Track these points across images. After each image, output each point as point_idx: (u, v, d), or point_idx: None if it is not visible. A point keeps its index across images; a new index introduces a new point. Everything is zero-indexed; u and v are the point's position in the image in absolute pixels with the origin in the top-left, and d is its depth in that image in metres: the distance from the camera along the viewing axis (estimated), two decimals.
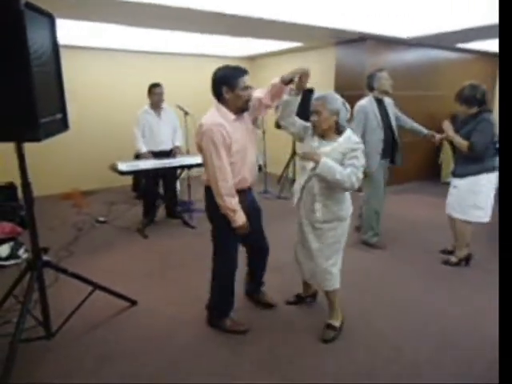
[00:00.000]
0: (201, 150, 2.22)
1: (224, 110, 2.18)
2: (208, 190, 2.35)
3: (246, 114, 2.30)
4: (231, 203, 2.17)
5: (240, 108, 2.20)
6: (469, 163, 3.12)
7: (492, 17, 4.10)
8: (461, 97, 3.08)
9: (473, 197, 3.13)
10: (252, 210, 2.43)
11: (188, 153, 4.69)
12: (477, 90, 3.02)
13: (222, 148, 2.11)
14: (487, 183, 3.09)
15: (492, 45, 6.04)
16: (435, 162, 6.82)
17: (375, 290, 3.00)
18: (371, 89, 3.66)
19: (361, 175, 2.15)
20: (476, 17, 4.14)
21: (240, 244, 2.48)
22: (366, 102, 3.63)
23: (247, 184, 2.34)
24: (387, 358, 2.23)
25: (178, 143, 4.63)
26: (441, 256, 3.55)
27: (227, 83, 2.13)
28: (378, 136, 3.60)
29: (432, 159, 6.81)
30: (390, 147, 3.72)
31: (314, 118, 2.22)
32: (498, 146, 3.08)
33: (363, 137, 3.61)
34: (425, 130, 3.73)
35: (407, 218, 4.73)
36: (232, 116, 2.18)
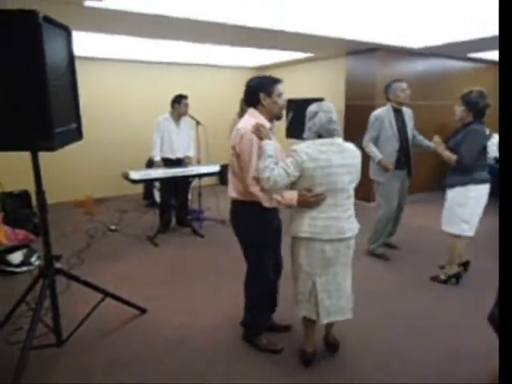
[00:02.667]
0: (237, 154, 2.14)
1: (260, 116, 2.19)
2: (238, 206, 2.26)
3: (274, 130, 2.30)
4: (284, 197, 2.08)
5: (275, 114, 2.22)
6: (457, 174, 3.08)
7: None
8: (465, 98, 3.02)
9: (459, 209, 3.07)
10: (277, 225, 2.38)
11: (199, 162, 4.73)
12: (482, 100, 2.96)
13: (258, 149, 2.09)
14: (475, 196, 3.01)
15: None
16: (444, 170, 6.73)
17: (383, 302, 2.96)
18: (388, 99, 3.65)
19: (279, 179, 1.97)
20: (488, 26, 4.12)
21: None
22: (383, 111, 3.62)
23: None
24: (395, 370, 2.19)
25: (189, 154, 4.68)
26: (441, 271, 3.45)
27: (264, 90, 2.16)
28: (392, 146, 3.58)
29: (440, 168, 6.73)
30: (406, 158, 3.67)
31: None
32: (488, 157, 3.07)
33: (378, 146, 3.62)
34: (428, 144, 3.63)
35: (419, 228, 4.67)
36: (267, 123, 2.19)
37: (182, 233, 4.66)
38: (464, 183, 3.04)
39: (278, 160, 2.04)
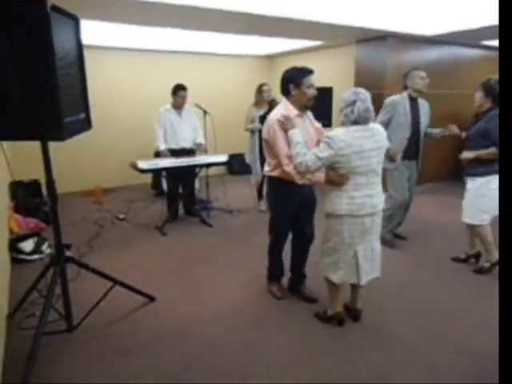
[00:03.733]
0: (269, 143, 2.49)
1: (289, 105, 2.47)
2: (270, 180, 2.67)
3: (311, 116, 2.63)
4: (314, 176, 2.37)
5: (304, 105, 2.47)
6: (480, 164, 3.03)
7: None
8: (484, 84, 3.03)
9: (480, 199, 3.05)
10: (305, 200, 2.65)
11: (207, 151, 4.73)
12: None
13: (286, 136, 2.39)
14: (497, 186, 2.95)
15: None
16: (456, 161, 6.65)
17: (393, 292, 2.96)
18: (405, 87, 3.60)
19: (311, 163, 2.22)
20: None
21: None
22: (398, 98, 3.58)
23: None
24: (402, 359, 2.20)
25: (199, 140, 4.68)
26: (452, 263, 3.44)
27: (294, 81, 2.41)
28: (403, 133, 3.54)
29: (453, 158, 6.64)
30: (416, 148, 3.64)
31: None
32: None
33: (388, 132, 3.56)
34: (437, 130, 3.61)
35: (427, 219, 4.64)
36: (295, 111, 2.46)
37: (190, 222, 4.69)
38: (487, 173, 3.01)
39: (307, 145, 2.35)
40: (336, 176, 2.22)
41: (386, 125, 3.58)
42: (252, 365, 2.17)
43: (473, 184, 3.12)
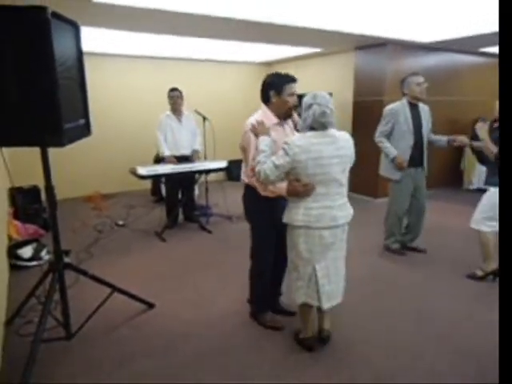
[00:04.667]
0: (243, 148, 2.37)
1: (268, 112, 2.34)
2: (247, 190, 2.47)
3: (291, 125, 2.45)
4: (276, 187, 2.16)
5: (284, 113, 2.33)
6: (492, 173, 2.99)
7: None
8: None
9: (487, 207, 3.01)
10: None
11: (205, 158, 4.73)
12: None
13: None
14: None
15: None
16: (457, 168, 6.68)
17: (395, 297, 2.94)
18: (404, 93, 3.55)
19: (269, 172, 2.05)
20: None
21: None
22: (397, 106, 3.53)
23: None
24: (406, 365, 2.18)
25: (196, 147, 4.68)
26: (463, 270, 3.37)
27: (275, 88, 2.28)
28: (407, 142, 3.48)
29: (454, 165, 6.67)
30: (421, 155, 3.57)
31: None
32: None
33: (391, 141, 3.55)
34: (444, 138, 3.52)
35: (430, 225, 4.61)
36: (275, 119, 2.32)
37: (190, 228, 4.68)
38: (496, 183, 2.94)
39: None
40: (300, 186, 2.03)
41: (389, 135, 3.56)
42: (253, 370, 2.15)
43: (489, 193, 3.04)
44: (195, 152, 4.66)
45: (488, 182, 3.11)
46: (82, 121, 2.17)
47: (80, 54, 2.13)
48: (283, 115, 2.33)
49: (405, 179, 3.56)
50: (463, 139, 3.36)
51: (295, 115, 2.41)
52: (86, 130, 2.23)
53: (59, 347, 2.32)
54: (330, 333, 2.38)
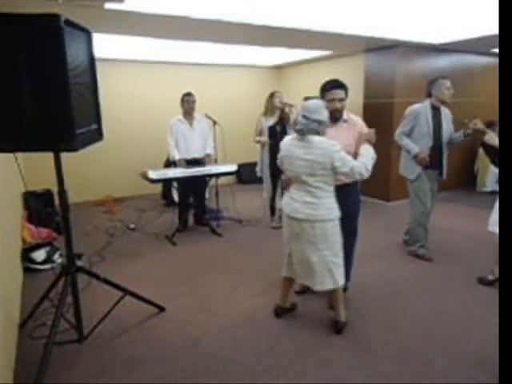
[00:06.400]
0: None
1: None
2: None
3: (348, 126, 2.63)
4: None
5: (331, 116, 2.46)
6: None
7: None
8: None
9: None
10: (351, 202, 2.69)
11: (216, 161, 4.75)
12: None
13: None
14: None
15: None
16: (470, 170, 6.58)
17: (407, 301, 2.90)
18: (429, 94, 3.52)
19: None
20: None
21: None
22: (420, 107, 3.51)
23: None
24: (417, 372, 2.14)
25: (208, 151, 4.69)
26: (472, 273, 3.32)
27: (322, 94, 2.61)
28: (425, 144, 3.47)
29: (467, 167, 6.57)
30: (439, 158, 3.54)
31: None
32: None
33: (411, 140, 3.53)
34: (460, 132, 3.47)
35: (446, 228, 4.55)
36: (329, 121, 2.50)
37: (200, 232, 4.69)
38: None
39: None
40: (285, 177, 2.62)
41: (408, 135, 3.53)
42: (263, 375, 2.14)
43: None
44: (208, 156, 4.68)
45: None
46: (94, 126, 2.20)
47: (92, 60, 2.16)
48: (331, 117, 2.48)
49: (423, 179, 3.54)
50: (477, 122, 3.17)
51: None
52: (98, 135, 2.26)
53: (71, 350, 2.35)
54: (345, 324, 2.55)
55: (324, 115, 2.30)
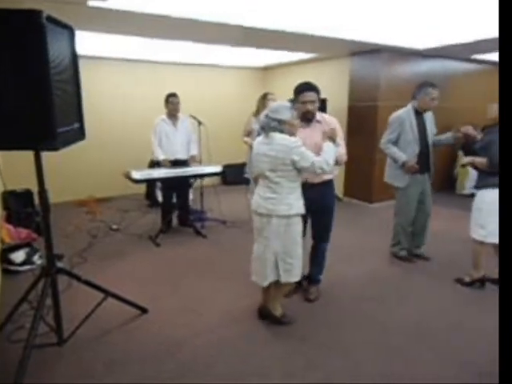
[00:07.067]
0: None
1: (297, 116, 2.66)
2: None
3: (322, 126, 2.66)
4: None
5: (302, 117, 2.63)
6: (480, 177, 3.04)
7: None
8: None
9: (475, 213, 3.04)
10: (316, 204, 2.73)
11: (201, 162, 4.73)
12: None
13: None
14: (489, 200, 2.89)
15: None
16: (450, 173, 6.73)
17: (395, 302, 2.95)
18: (414, 97, 3.52)
19: None
20: (491, 28, 4.10)
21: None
22: (404, 113, 3.50)
23: (310, 179, 2.67)
24: (401, 371, 2.18)
25: (193, 152, 4.67)
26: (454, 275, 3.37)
27: (295, 95, 2.68)
28: (412, 150, 3.47)
29: (447, 170, 6.72)
30: (426, 161, 3.56)
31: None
32: None
33: (398, 149, 3.53)
34: (449, 134, 3.48)
35: (438, 233, 4.58)
36: (299, 122, 2.60)
37: (184, 233, 4.66)
38: (482, 186, 2.99)
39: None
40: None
41: (395, 142, 3.53)
42: (248, 376, 2.14)
43: (475, 197, 3.09)
44: (192, 157, 4.65)
45: (475, 186, 3.15)
46: (76, 125, 2.16)
47: (75, 57, 2.13)
48: (302, 118, 2.63)
49: (412, 185, 3.54)
50: (468, 128, 3.20)
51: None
52: (80, 134, 2.23)
53: (51, 353, 2.30)
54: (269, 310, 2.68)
55: (285, 115, 2.37)
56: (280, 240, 2.44)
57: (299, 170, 2.38)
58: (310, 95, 2.61)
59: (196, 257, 3.92)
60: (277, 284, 2.58)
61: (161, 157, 4.44)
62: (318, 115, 2.73)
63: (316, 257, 2.99)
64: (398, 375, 2.15)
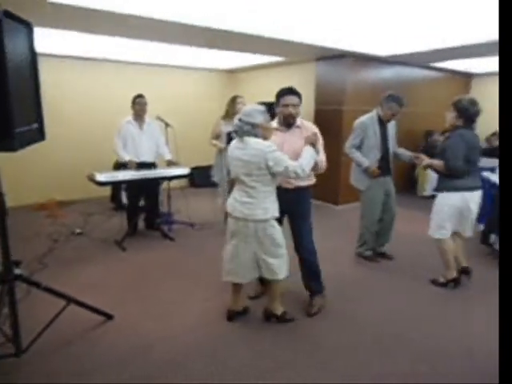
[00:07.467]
0: None
1: (278, 120, 2.71)
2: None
3: (301, 131, 2.66)
4: None
5: (283, 121, 2.66)
6: (440, 179, 3.17)
7: (462, 38, 4.30)
8: (456, 104, 3.01)
9: (436, 215, 3.17)
10: (290, 211, 2.74)
11: (177, 164, 4.64)
12: (473, 107, 2.97)
13: None
14: (450, 203, 3.05)
15: (463, 64, 6.32)
16: (411, 175, 7.01)
17: (362, 301, 3.02)
18: (380, 104, 3.61)
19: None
20: (448, 38, 4.33)
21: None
22: (368, 119, 3.61)
23: (284, 184, 2.66)
24: (367, 368, 2.24)
25: (167, 157, 4.58)
26: (425, 275, 3.48)
27: (277, 99, 2.66)
28: (374, 155, 3.60)
29: (408, 173, 6.99)
30: (388, 165, 3.71)
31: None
32: (474, 164, 3.05)
33: (361, 154, 3.64)
34: (408, 153, 3.65)
35: (401, 234, 4.74)
36: (278, 125, 2.67)
37: (151, 236, 4.57)
38: (440, 189, 3.12)
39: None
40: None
41: (358, 147, 3.64)
42: (217, 380, 2.12)
43: (436, 199, 3.21)
44: (169, 162, 4.55)
45: (436, 189, 3.29)
46: (35, 125, 2.08)
47: (33, 55, 2.04)
48: (284, 122, 2.66)
49: (375, 188, 3.67)
50: (425, 158, 3.31)
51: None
52: (39, 135, 2.14)
53: (8, 365, 2.18)
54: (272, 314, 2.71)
55: (258, 118, 2.37)
56: (258, 243, 2.47)
57: (274, 175, 2.39)
58: (291, 98, 2.60)
59: (164, 260, 3.85)
60: (268, 285, 2.64)
61: (126, 157, 4.33)
62: (298, 120, 2.71)
63: (303, 268, 2.88)
64: (366, 371, 2.21)
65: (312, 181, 2.80)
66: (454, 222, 3.15)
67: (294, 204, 2.72)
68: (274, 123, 2.68)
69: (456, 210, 3.09)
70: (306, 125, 2.78)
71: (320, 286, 2.94)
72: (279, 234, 2.52)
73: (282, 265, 2.54)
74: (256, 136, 2.38)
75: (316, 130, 2.74)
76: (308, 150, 2.45)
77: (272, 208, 2.45)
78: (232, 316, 2.73)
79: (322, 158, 2.68)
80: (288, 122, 2.65)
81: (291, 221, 2.82)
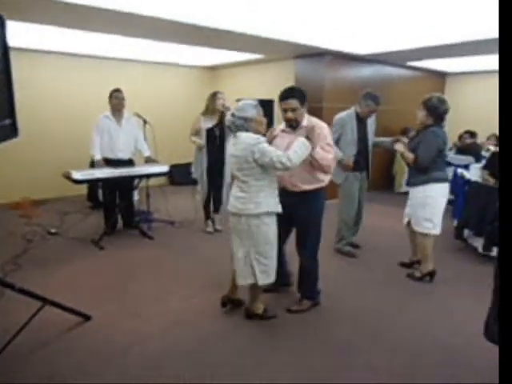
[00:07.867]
0: None
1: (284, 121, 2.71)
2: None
3: (301, 132, 2.54)
4: None
5: (286, 123, 2.65)
6: (418, 173, 3.23)
7: (438, 38, 4.41)
8: (426, 103, 3.10)
9: (421, 208, 3.23)
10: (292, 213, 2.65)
11: (157, 161, 4.58)
12: (442, 105, 3.07)
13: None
14: (435, 195, 3.16)
15: (439, 64, 6.48)
16: (389, 172, 7.15)
17: (340, 297, 3.06)
18: (359, 102, 3.67)
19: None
20: (423, 37, 4.43)
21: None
22: (346, 116, 3.69)
23: (290, 187, 2.66)
24: (343, 362, 2.28)
25: (146, 154, 4.52)
26: (400, 269, 3.58)
27: (279, 102, 2.65)
28: (350, 151, 3.68)
29: (386, 170, 7.13)
30: (365, 161, 3.81)
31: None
32: (447, 158, 3.19)
33: (339, 148, 3.69)
34: (388, 139, 3.71)
35: (369, 226, 4.83)
36: (283, 127, 2.70)
37: (130, 235, 4.50)
38: (423, 182, 3.17)
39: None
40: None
41: (336, 142, 3.65)
42: (196, 379, 2.11)
43: (413, 193, 3.28)
44: (148, 158, 4.49)
45: (408, 183, 3.40)
46: (7, 121, 2.01)
47: (5, 49, 1.97)
48: (286, 124, 2.65)
49: (351, 180, 3.77)
50: (405, 142, 3.40)
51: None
52: (11, 131, 2.07)
53: None
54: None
55: (251, 112, 2.38)
56: (251, 240, 2.44)
57: (263, 167, 2.34)
58: (289, 103, 2.52)
59: (142, 259, 3.80)
60: (252, 286, 2.59)
61: (97, 156, 4.24)
62: (307, 121, 2.61)
63: (299, 271, 2.87)
64: (340, 367, 2.25)
65: (320, 184, 2.68)
66: (439, 214, 3.22)
67: (297, 208, 2.63)
68: (283, 125, 2.71)
69: (442, 201, 3.20)
70: (315, 123, 2.60)
71: (311, 293, 2.87)
72: (273, 233, 2.49)
73: (273, 267, 2.53)
74: (248, 130, 2.38)
75: (325, 128, 2.63)
76: (298, 142, 2.34)
77: (265, 202, 2.39)
78: (225, 302, 2.77)
79: (324, 155, 2.54)
80: (291, 125, 2.62)
81: (295, 225, 2.78)
